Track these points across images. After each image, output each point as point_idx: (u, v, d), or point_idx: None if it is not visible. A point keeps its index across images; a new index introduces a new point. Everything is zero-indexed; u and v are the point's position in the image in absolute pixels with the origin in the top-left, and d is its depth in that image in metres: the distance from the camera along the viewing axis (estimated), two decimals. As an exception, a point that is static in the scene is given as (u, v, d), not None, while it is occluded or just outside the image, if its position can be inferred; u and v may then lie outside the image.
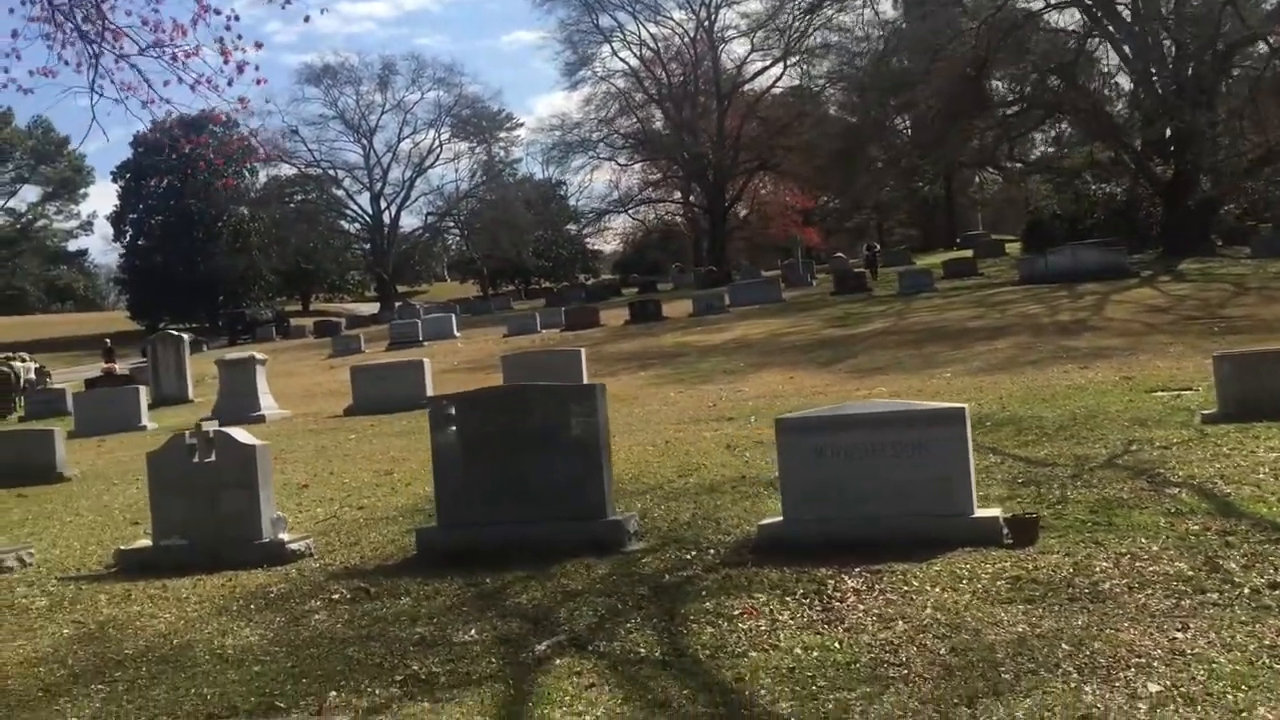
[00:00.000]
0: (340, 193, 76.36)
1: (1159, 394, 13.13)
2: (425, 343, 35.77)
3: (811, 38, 59.60)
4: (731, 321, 30.81)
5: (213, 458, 7.85)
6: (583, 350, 19.53)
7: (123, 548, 8.16)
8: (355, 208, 77.01)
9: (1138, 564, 5.58)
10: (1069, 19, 40.58)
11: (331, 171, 74.59)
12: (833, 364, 20.41)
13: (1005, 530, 6.35)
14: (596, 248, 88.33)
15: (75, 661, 5.69)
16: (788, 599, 5.57)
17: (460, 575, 6.71)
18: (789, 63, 62.66)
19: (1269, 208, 41.26)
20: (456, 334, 37.68)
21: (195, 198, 69.52)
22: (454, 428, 7.47)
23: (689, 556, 6.74)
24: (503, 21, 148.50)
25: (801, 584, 5.79)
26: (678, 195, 74.94)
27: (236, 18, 8.47)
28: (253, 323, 57.99)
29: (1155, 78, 37.08)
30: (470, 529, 7.35)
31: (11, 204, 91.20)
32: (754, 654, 4.79)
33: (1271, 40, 38.30)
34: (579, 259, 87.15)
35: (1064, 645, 4.46)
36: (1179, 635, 4.48)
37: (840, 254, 56.40)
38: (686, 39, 65.25)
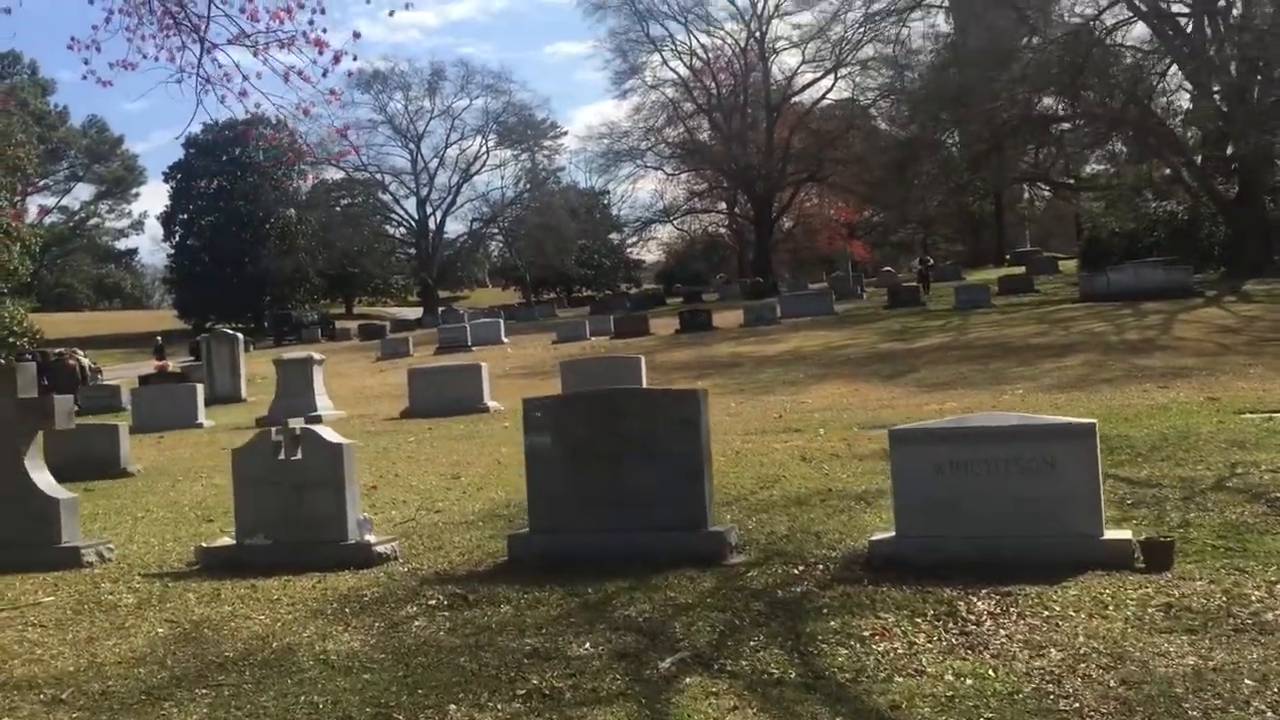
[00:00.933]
0: (387, 197, 76.69)
1: (1249, 416, 12.69)
2: (473, 347, 35.71)
3: (863, 50, 59.16)
4: (784, 333, 30.48)
5: (299, 455, 7.66)
6: (642, 358, 19.28)
7: (204, 545, 7.99)
8: (401, 212, 77.34)
9: (1294, 595, 5.24)
10: (1133, 34, 39.99)
11: (379, 176, 74.92)
12: (895, 378, 20.05)
13: (1138, 554, 6.02)
14: (639, 257, 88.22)
15: (174, 663, 5.49)
16: (919, 620, 5.28)
17: (559, 584, 6.46)
18: (840, 75, 62.29)
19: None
20: (504, 339, 37.59)
21: (244, 199, 70.09)
22: (550, 431, 7.23)
23: (797, 572, 6.46)
24: (546, 33, 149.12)
25: (929, 605, 5.50)
26: (723, 206, 74.69)
27: (323, 10, 8.34)
28: (298, 324, 58.26)
29: (1219, 96, 36.41)
30: (565, 536, 7.10)
31: (65, 202, 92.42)
32: (900, 679, 4.50)
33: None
34: (621, 268, 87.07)
35: (1247, 681, 4.14)
36: (1371, 675, 4.15)
37: (889, 268, 55.94)
38: (737, 49, 65.03)
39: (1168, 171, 41.57)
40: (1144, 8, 36.44)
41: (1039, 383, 17.83)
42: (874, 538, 6.65)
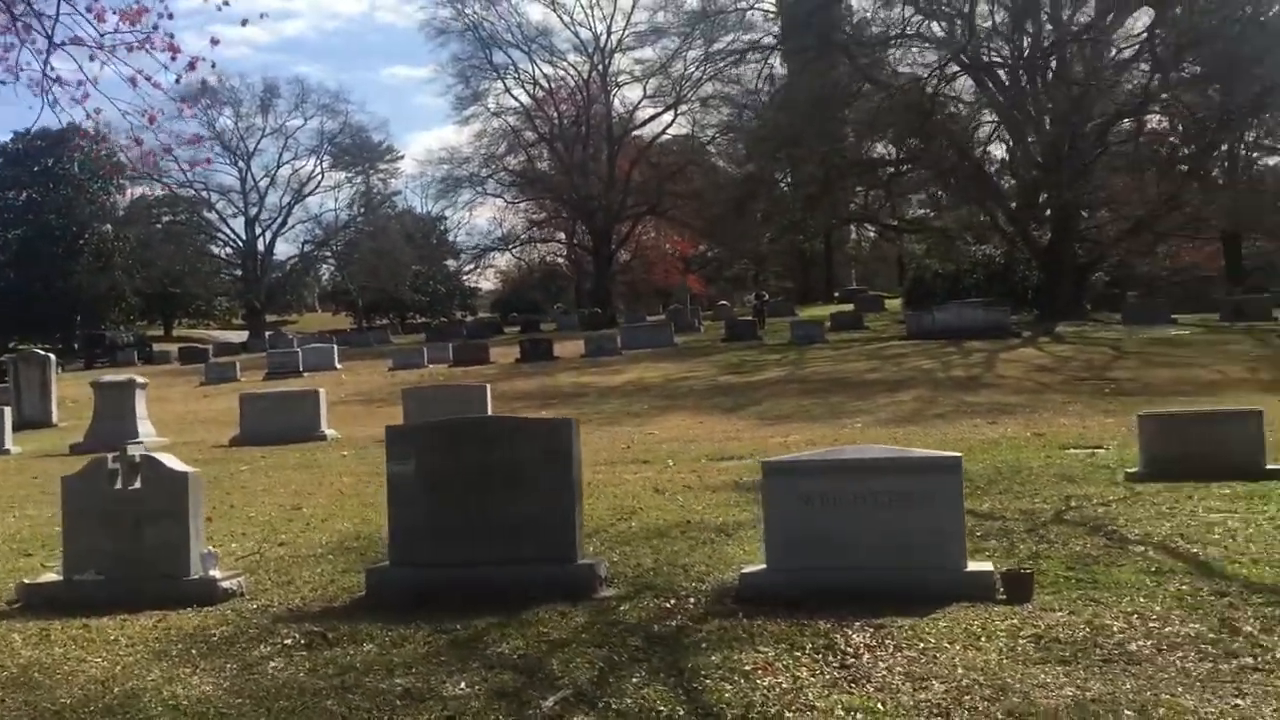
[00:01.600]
0: (213, 215, 73.98)
1: (1072, 451, 13.32)
2: (305, 373, 34.56)
3: (704, 88, 60.35)
4: (625, 364, 30.59)
5: (138, 485, 7.17)
6: (487, 386, 19.01)
7: (26, 581, 7.38)
8: (228, 232, 74.68)
9: (1150, 624, 5.45)
10: (958, 85, 41.97)
11: (205, 193, 72.22)
12: (737, 410, 20.32)
13: (999, 585, 6.18)
14: (475, 285, 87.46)
15: (4, 711, 5.01)
16: (799, 654, 5.26)
17: (424, 621, 6.21)
18: (680, 111, 63.32)
19: (1137, 277, 43.26)
20: (338, 365, 36.54)
21: (56, 213, 66.39)
22: (414, 460, 6.97)
23: (669, 605, 6.38)
24: (382, 55, 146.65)
25: (807, 637, 5.49)
26: (561, 236, 74.80)
27: (170, 15, 7.93)
28: (112, 345, 55.35)
29: (1034, 145, 38.53)
30: (428, 570, 6.84)
31: None
32: (790, 715, 4.46)
33: (1138, 119, 40.40)
34: (457, 295, 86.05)
35: (1127, 711, 4.26)
36: (1239, 702, 4.32)
37: (724, 302, 56.97)
38: (580, 80, 65.39)
39: (984, 217, 43.79)
40: (967, 60, 38.32)
41: (876, 416, 18.36)
42: (744, 570, 6.63)
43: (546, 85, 65.72)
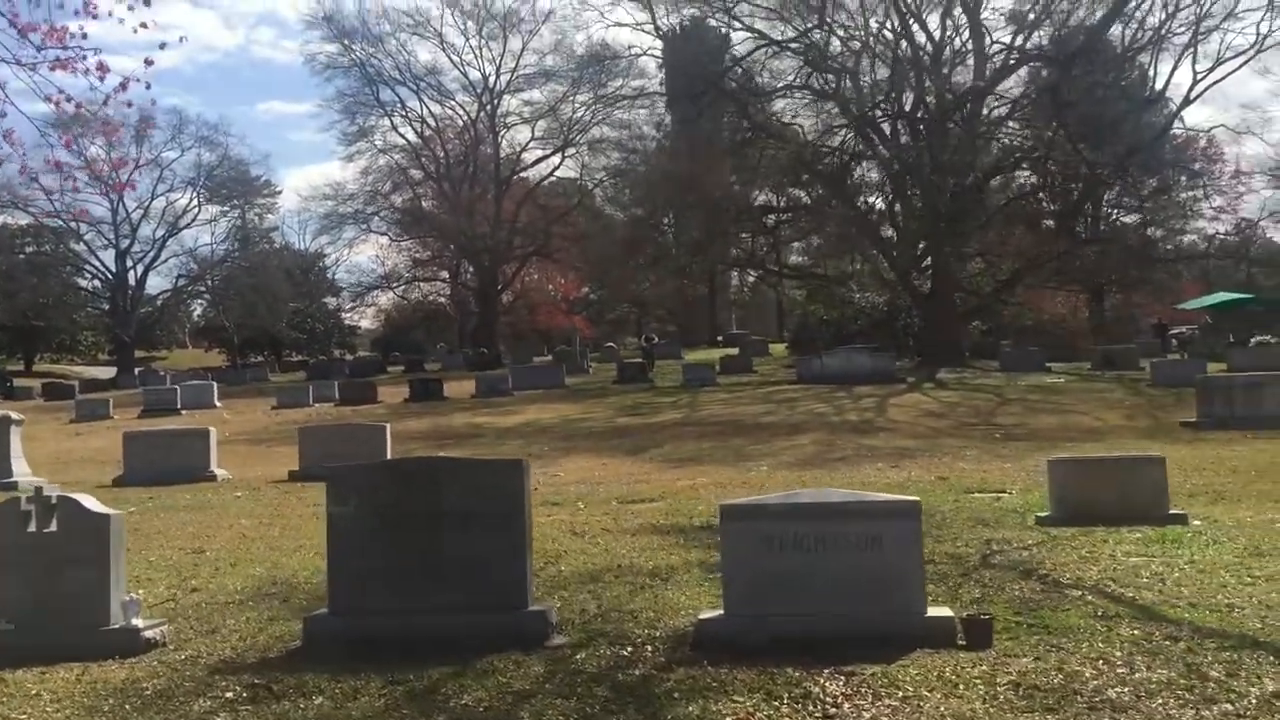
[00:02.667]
0: (81, 247, 71.00)
1: (977, 495, 13.60)
2: (184, 411, 33.33)
3: (592, 131, 60.72)
4: (518, 405, 30.30)
5: (54, 527, 6.71)
6: (387, 426, 18.55)
7: (-75, 633, 6.82)
8: (97, 264, 71.78)
9: (1118, 670, 5.51)
10: (841, 137, 43.05)
11: (73, 224, 69.29)
12: (640, 452, 20.24)
13: (959, 631, 6.19)
14: (354, 323, 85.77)
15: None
16: (777, 704, 5.16)
17: (373, 671, 5.93)
18: (568, 154, 63.50)
19: (1010, 326, 44.82)
20: (218, 404, 35.32)
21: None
22: (356, 503, 6.68)
23: (626, 653, 6.23)
24: (259, 90, 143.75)
25: (781, 686, 5.40)
26: (445, 275, 74.00)
27: (84, 35, 7.58)
28: (-32, 380, 52.47)
29: (915, 197, 39.74)
30: (371, 618, 6.55)
31: None
32: (788, 766, 4.35)
33: (1017, 174, 42.10)
34: (335, 333, 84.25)
35: (1127, 757, 4.27)
36: (1234, 746, 4.38)
37: (611, 344, 57.05)
38: (468, 120, 65.09)
39: (864, 265, 44.98)
40: (855, 111, 39.39)
41: (779, 459, 18.48)
42: (701, 616, 6.51)
43: (434, 124, 65.26)
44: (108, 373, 63.70)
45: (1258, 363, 30.94)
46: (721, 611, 6.45)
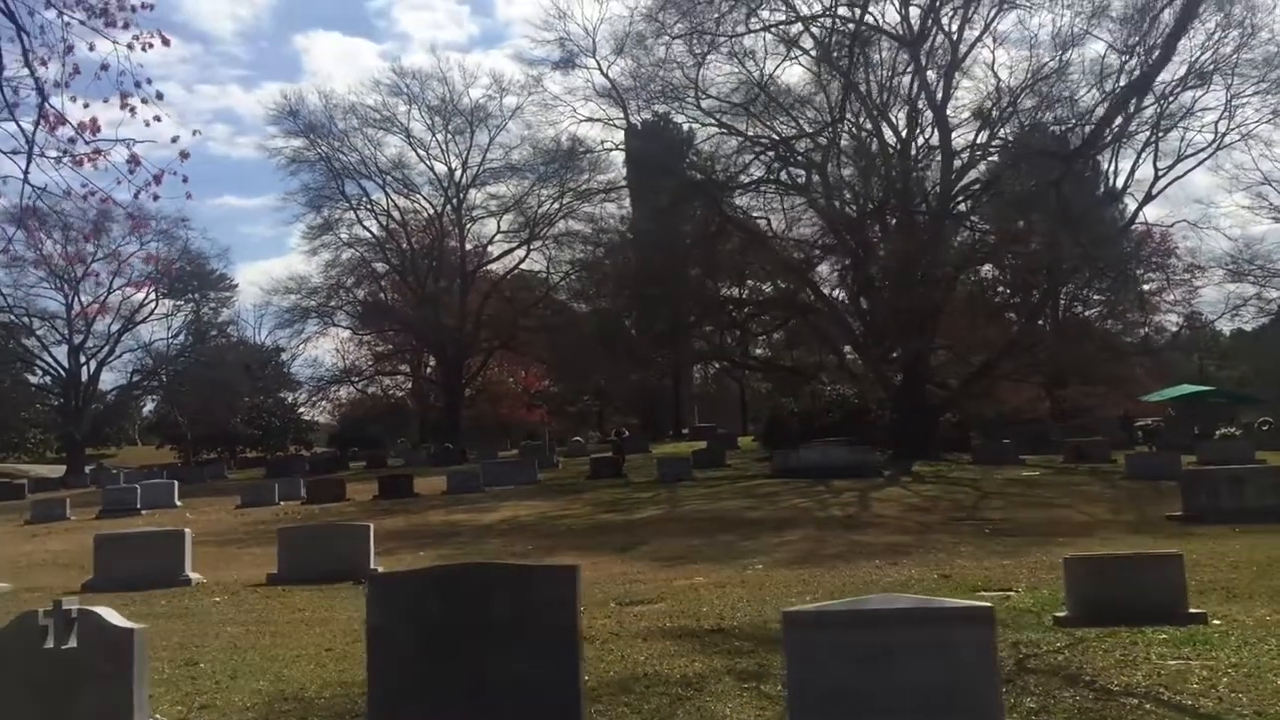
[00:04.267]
0: (33, 343, 69.79)
1: (985, 594, 13.37)
2: (144, 511, 32.40)
3: (557, 225, 61.08)
4: (491, 501, 29.77)
5: (73, 643, 6.29)
6: (370, 525, 18.04)
7: (-72, 762, 6.33)
8: (49, 360, 70.52)
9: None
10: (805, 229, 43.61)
11: (26, 319, 68.27)
12: (628, 550, 19.83)
13: (1041, 743, 5.92)
14: (311, 418, 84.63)
15: None
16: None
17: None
18: (533, 246, 63.75)
19: (978, 419, 45.07)
20: (178, 503, 34.41)
21: None
22: (400, 614, 6.32)
23: (693, 773, 5.89)
24: (213, 185, 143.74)
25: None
26: (405, 368, 73.50)
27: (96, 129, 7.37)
28: (-87, 480, 50.92)
29: (884, 288, 40.11)
30: (414, 739, 6.17)
31: None
32: None
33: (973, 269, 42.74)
34: (292, 429, 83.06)
35: None
36: None
37: (578, 438, 56.63)
38: (434, 213, 65.27)
39: (829, 357, 45.21)
40: (822, 201, 39.94)
41: (772, 556, 18.16)
42: (768, 732, 6.20)
43: (399, 217, 65.38)
44: (57, 471, 62.17)
45: (1225, 455, 31.32)
46: (788, 726, 6.14)
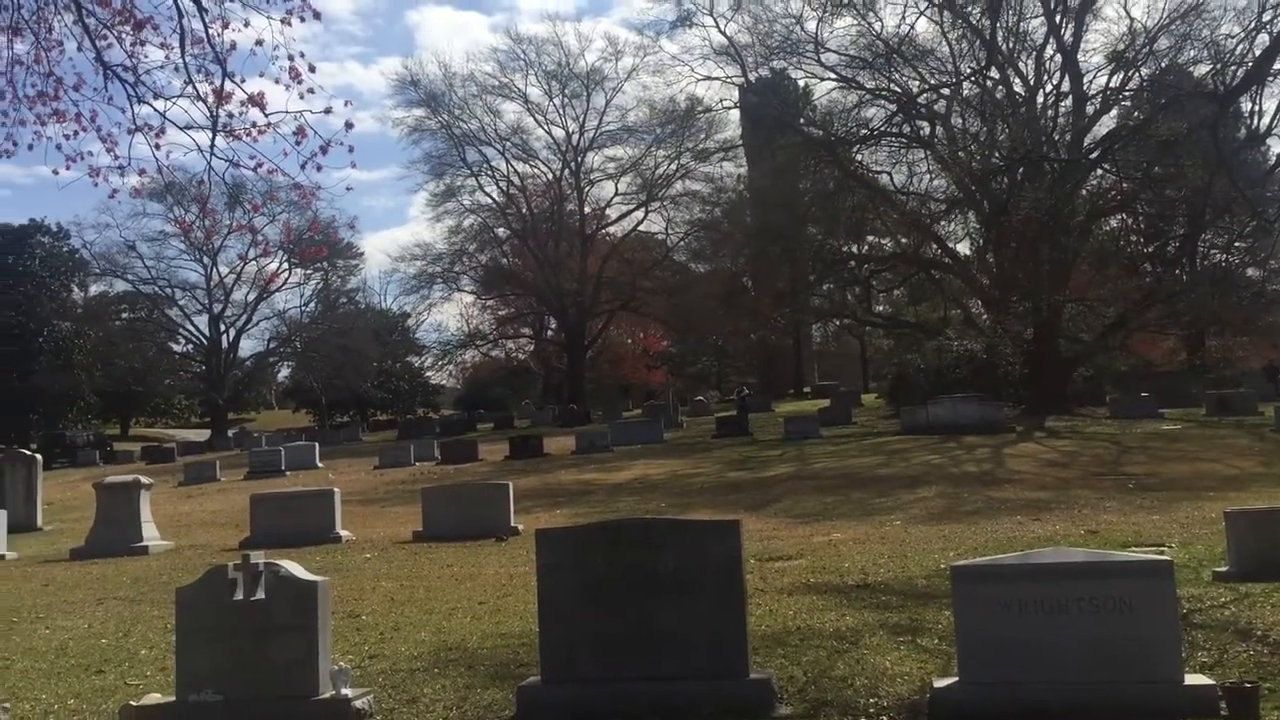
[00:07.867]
0: (175, 312, 72.84)
1: (1135, 549, 13.03)
2: (288, 472, 33.66)
3: (675, 186, 61.01)
4: (621, 460, 30.06)
5: (261, 595, 6.62)
6: (510, 484, 18.42)
7: (134, 704, 6.75)
8: (191, 329, 73.54)
9: None
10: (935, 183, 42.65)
11: (168, 290, 71.24)
12: (761, 508, 19.85)
13: (1222, 700, 5.80)
14: (439, 381, 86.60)
15: None
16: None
17: (603, 745, 5.71)
18: (651, 208, 63.84)
19: (1113, 372, 43.71)
20: (320, 464, 35.65)
21: (15, 310, 65.01)
22: (570, 567, 6.49)
23: (863, 725, 5.93)
24: (335, 158, 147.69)
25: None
26: (528, 331, 74.54)
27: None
28: (71, 446, 53.78)
29: (1014, 244, 39.04)
30: (585, 686, 6.33)
31: None
32: None
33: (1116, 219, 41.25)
34: (420, 392, 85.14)
35: None
36: None
37: (701, 398, 56.75)
38: (553, 177, 65.83)
39: (956, 311, 44.21)
40: (947, 158, 38.99)
41: (909, 514, 17.98)
42: (936, 685, 6.19)
43: (519, 182, 66.11)
44: (202, 435, 64.99)
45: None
46: (954, 679, 6.13)
